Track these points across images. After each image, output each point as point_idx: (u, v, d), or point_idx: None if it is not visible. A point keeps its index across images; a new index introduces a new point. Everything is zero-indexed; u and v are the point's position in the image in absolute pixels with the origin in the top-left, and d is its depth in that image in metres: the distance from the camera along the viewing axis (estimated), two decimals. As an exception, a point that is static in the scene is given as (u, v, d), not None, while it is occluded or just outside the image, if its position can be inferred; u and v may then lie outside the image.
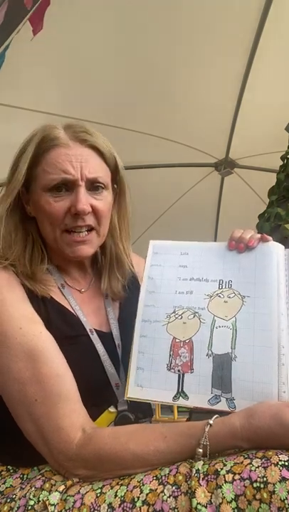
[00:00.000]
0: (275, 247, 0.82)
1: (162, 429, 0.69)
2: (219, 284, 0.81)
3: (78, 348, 0.82)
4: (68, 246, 0.83)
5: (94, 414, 0.79)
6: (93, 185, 0.83)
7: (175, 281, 0.83)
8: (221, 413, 0.69)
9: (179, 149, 3.37)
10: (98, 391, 0.82)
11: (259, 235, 0.84)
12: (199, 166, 3.73)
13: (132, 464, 0.67)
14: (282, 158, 2.23)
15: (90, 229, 0.84)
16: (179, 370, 0.74)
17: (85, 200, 0.81)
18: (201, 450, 0.63)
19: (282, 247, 0.82)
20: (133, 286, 0.99)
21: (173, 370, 0.75)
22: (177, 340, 0.77)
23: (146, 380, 0.75)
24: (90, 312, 0.89)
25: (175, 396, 0.73)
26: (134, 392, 0.75)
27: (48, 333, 0.78)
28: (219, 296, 0.79)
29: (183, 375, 0.74)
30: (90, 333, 0.84)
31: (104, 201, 0.85)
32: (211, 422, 0.65)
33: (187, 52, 2.59)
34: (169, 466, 0.66)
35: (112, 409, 0.82)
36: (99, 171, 0.84)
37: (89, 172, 0.82)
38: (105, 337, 0.87)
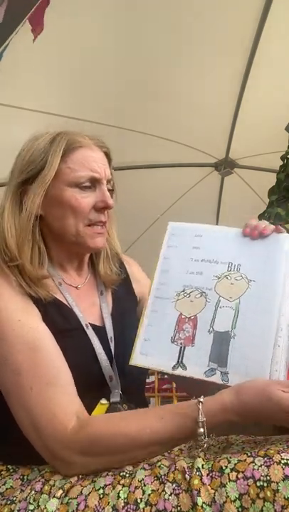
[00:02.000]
0: (287, 239, 0.86)
1: (159, 411, 0.72)
2: (228, 267, 0.85)
3: (74, 341, 0.84)
4: (90, 238, 0.90)
5: (88, 407, 0.80)
6: (107, 186, 0.93)
7: (187, 262, 0.88)
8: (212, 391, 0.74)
9: (179, 149, 3.37)
10: (93, 383, 0.83)
11: (273, 226, 0.87)
12: (199, 166, 3.72)
13: (128, 446, 0.68)
14: (282, 158, 2.24)
15: (104, 224, 0.92)
16: (181, 343, 0.80)
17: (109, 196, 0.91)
18: (201, 429, 0.66)
19: None
20: (126, 283, 1.05)
21: (176, 343, 0.80)
22: (183, 316, 0.82)
23: (150, 349, 0.81)
24: (85, 307, 0.92)
25: (174, 366, 0.78)
26: (138, 359, 0.81)
27: (45, 327, 0.80)
28: (227, 277, 0.84)
29: (184, 347, 0.80)
30: (85, 328, 0.87)
31: (113, 200, 0.94)
32: (201, 400, 0.68)
33: (187, 52, 2.59)
34: (166, 451, 0.69)
35: (103, 401, 0.83)
36: (110, 173, 0.95)
37: (108, 173, 0.92)
38: (99, 330, 0.90)
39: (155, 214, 3.87)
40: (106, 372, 0.85)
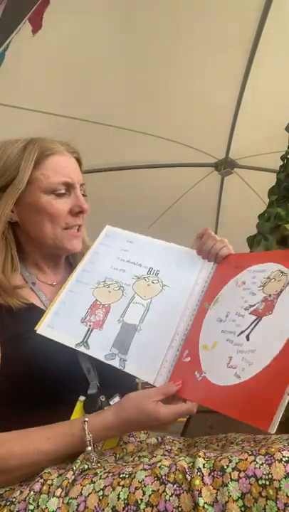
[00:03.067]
0: (205, 264, 0.98)
1: (46, 431, 0.74)
2: (148, 271, 0.95)
3: (48, 339, 0.86)
4: (68, 240, 0.94)
5: (70, 402, 0.81)
6: (81, 191, 0.96)
7: (114, 259, 0.97)
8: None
9: (179, 149, 3.37)
10: (72, 377, 0.84)
11: (227, 251, 0.96)
12: (199, 166, 3.73)
13: (17, 467, 0.72)
14: (282, 158, 2.23)
15: (79, 227, 0.96)
16: (90, 325, 0.86)
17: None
18: (89, 448, 0.71)
19: (212, 262, 0.98)
20: None
21: (85, 324, 0.86)
22: (98, 303, 0.89)
23: (58, 324, 0.85)
24: None
25: (78, 343, 0.83)
26: (43, 330, 0.84)
27: None
28: (145, 279, 0.94)
29: (92, 329, 0.85)
30: None
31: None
32: (86, 419, 0.74)
33: (187, 52, 2.60)
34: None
35: (81, 397, 0.84)
36: (83, 178, 0.98)
37: (81, 178, 0.96)
38: None
39: (155, 214, 3.88)
40: (84, 365, 0.86)
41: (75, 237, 0.95)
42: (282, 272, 0.81)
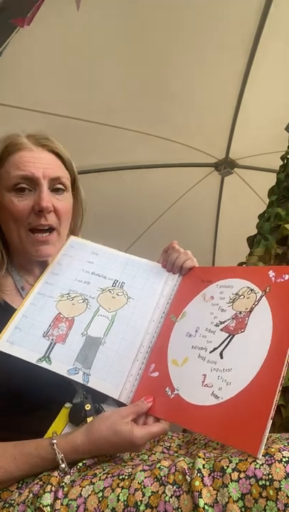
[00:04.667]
0: (170, 276, 0.98)
1: (13, 451, 0.72)
2: (113, 283, 0.94)
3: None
4: (32, 245, 0.88)
5: (56, 411, 0.80)
6: (55, 186, 0.89)
7: (78, 271, 0.95)
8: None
9: (179, 149, 3.37)
10: (58, 385, 0.82)
11: (191, 264, 0.96)
12: (199, 166, 3.72)
13: None
14: (282, 158, 2.23)
15: (52, 230, 0.89)
16: (52, 339, 0.83)
17: (48, 198, 0.86)
18: (63, 465, 0.70)
19: (177, 275, 0.98)
20: None
21: (47, 338, 0.83)
22: (61, 316, 0.87)
23: (19, 339, 0.82)
24: None
25: (40, 359, 0.80)
26: (2, 345, 0.81)
27: None
28: (110, 291, 0.93)
29: (54, 344, 0.83)
30: None
31: (65, 201, 0.91)
32: (54, 441, 0.72)
33: (187, 51, 2.59)
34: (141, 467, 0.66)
35: (67, 404, 0.82)
36: (60, 172, 0.90)
37: (52, 172, 0.87)
38: None
39: (155, 214, 3.87)
40: None
41: (41, 243, 0.88)
42: (251, 290, 0.81)
